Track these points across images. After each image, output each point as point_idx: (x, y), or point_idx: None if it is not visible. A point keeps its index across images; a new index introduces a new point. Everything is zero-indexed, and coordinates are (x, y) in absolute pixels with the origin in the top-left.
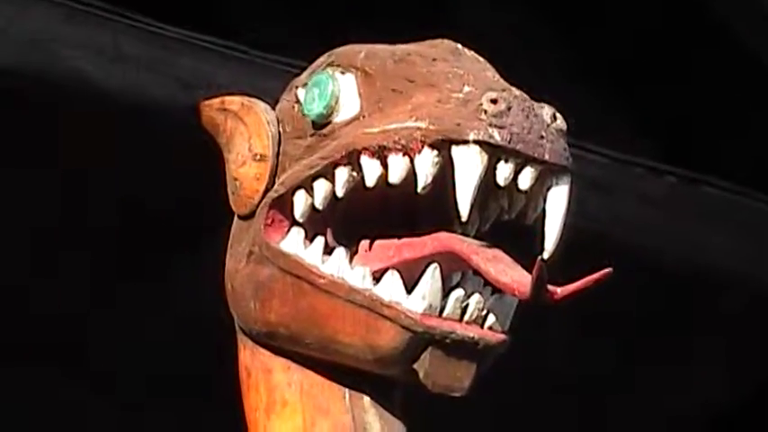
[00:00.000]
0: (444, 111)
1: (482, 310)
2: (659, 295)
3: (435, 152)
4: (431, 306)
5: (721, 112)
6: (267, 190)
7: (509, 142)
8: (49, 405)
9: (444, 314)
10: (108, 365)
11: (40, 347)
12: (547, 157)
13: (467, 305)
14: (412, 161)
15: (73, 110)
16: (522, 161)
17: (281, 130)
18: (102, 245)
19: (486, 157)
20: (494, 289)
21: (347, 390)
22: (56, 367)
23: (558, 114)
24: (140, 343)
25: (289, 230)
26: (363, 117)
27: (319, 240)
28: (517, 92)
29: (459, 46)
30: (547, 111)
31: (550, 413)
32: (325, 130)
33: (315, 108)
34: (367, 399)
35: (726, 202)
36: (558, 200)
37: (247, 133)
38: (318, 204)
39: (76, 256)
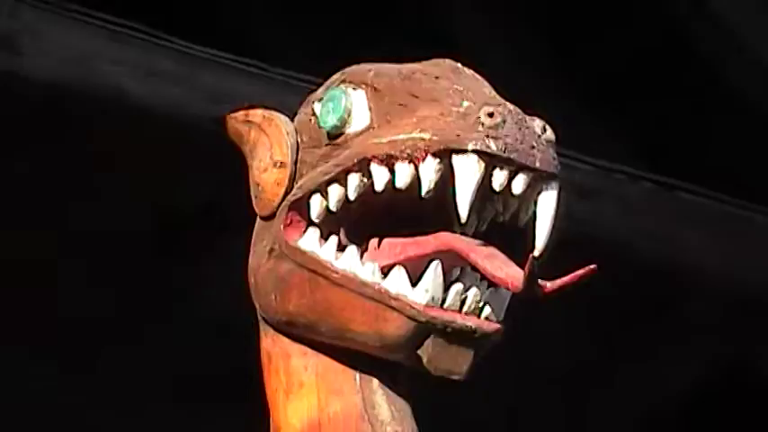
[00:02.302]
0: (446, 123)
1: (479, 302)
2: (637, 290)
3: (438, 160)
4: (433, 298)
5: (694, 124)
6: (286, 194)
7: (504, 152)
8: None
9: (445, 305)
10: (134, 366)
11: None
12: (538, 164)
13: (465, 297)
14: (417, 168)
15: (111, 120)
16: (515, 168)
17: (298, 140)
18: (135, 247)
19: (483, 164)
20: (489, 283)
21: (358, 373)
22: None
23: (547, 126)
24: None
25: (306, 230)
26: (373, 129)
27: (333, 239)
28: (511, 106)
29: (459, 65)
30: (538, 123)
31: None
32: (338, 141)
33: (329, 120)
34: (375, 381)
35: (699, 205)
36: (547, 203)
37: (269, 143)
38: (332, 207)
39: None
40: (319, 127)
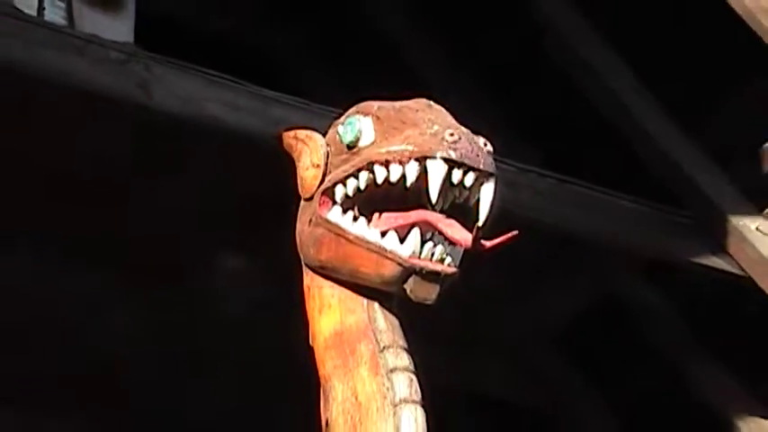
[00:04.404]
0: (423, 140)
1: (443, 254)
2: (543, 250)
3: (417, 163)
4: (414, 252)
5: (578, 140)
6: (320, 184)
7: (460, 158)
8: None
9: (422, 256)
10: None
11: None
12: (481, 166)
13: (434, 251)
14: (404, 168)
15: (210, 138)
16: (467, 169)
17: (328, 150)
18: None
19: (446, 167)
20: (450, 242)
21: (365, 299)
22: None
23: (487, 142)
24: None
25: (332, 208)
26: (376, 143)
27: (350, 213)
28: (465, 129)
29: (432, 102)
30: (482, 140)
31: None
32: (353, 151)
33: (348, 137)
34: (376, 304)
35: (581, 193)
36: (487, 192)
37: (309, 151)
38: (350, 193)
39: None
40: (341, 142)
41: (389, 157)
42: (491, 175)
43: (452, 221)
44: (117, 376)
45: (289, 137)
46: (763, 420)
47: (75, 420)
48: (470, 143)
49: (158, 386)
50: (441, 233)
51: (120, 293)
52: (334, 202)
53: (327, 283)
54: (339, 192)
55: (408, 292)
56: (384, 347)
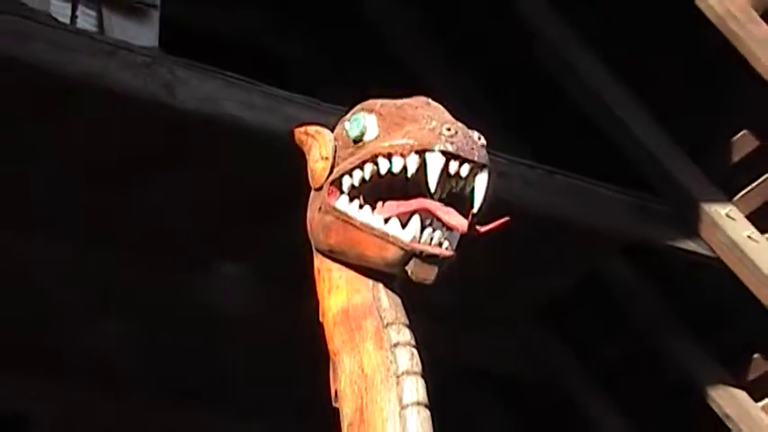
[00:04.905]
0: (422, 134)
1: (441, 238)
2: (530, 235)
3: (417, 156)
4: (414, 237)
5: (573, 129)
6: (329, 176)
7: (456, 151)
8: None
9: (421, 241)
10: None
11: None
12: (476, 158)
13: (433, 236)
14: (405, 160)
15: (228, 134)
16: (462, 161)
17: (336, 144)
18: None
19: (444, 158)
20: (447, 228)
21: (370, 280)
22: None
23: (481, 136)
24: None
25: (339, 197)
26: (379, 137)
27: (356, 201)
28: (461, 124)
29: (430, 100)
30: (476, 134)
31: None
32: (359, 145)
33: (353, 133)
34: (380, 285)
35: (566, 183)
36: (481, 181)
37: (318, 146)
38: (356, 183)
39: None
40: (348, 137)
41: (392, 151)
42: (485, 166)
43: (449, 209)
44: None
45: (300, 132)
46: (733, 389)
47: None
48: (466, 137)
49: None
50: (439, 219)
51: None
52: (342, 192)
53: (335, 266)
54: (346, 182)
55: (409, 273)
56: (387, 324)
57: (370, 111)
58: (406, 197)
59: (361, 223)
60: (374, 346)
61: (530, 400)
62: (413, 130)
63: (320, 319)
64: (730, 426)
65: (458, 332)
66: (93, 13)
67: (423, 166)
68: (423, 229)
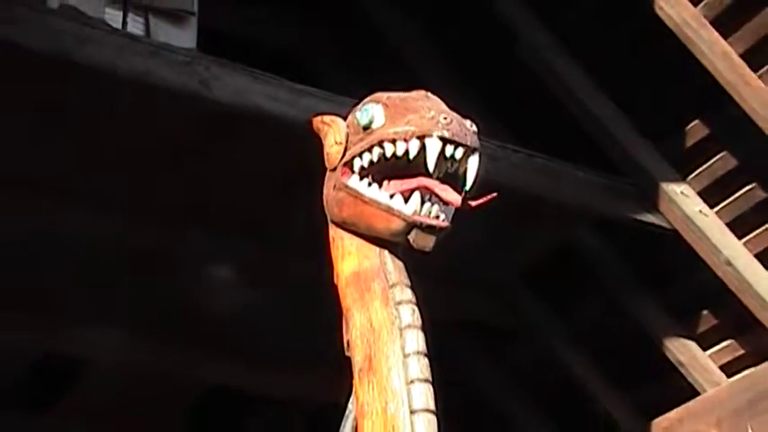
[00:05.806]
0: (422, 122)
1: (438, 211)
2: (515, 208)
3: (418, 141)
4: (415, 210)
5: (544, 125)
6: (342, 158)
7: (452, 136)
8: None
9: (421, 214)
10: None
11: None
12: (469, 143)
13: (431, 210)
14: (407, 145)
15: (255, 123)
16: (457, 145)
17: (348, 131)
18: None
19: (441, 143)
20: (443, 202)
21: (377, 248)
22: None
23: (473, 124)
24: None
25: (351, 176)
26: (386, 125)
27: (365, 180)
28: (455, 114)
29: (430, 94)
30: (468, 122)
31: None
32: (368, 131)
33: (363, 121)
34: (386, 251)
35: (549, 166)
36: (473, 163)
37: (333, 132)
38: (365, 165)
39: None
40: (358, 125)
41: (396, 137)
42: (476, 150)
43: (446, 186)
44: None
45: (317, 121)
46: (685, 340)
47: None
48: (460, 125)
49: None
50: (437, 195)
51: None
52: (353, 172)
53: (347, 235)
54: (357, 163)
55: (411, 241)
56: (392, 285)
57: (378, 102)
58: (409, 176)
59: (370, 199)
60: (381, 303)
61: (514, 350)
62: (414, 119)
63: (335, 281)
64: (683, 371)
65: (452, 292)
66: (141, 20)
67: (422, 150)
68: (422, 203)
